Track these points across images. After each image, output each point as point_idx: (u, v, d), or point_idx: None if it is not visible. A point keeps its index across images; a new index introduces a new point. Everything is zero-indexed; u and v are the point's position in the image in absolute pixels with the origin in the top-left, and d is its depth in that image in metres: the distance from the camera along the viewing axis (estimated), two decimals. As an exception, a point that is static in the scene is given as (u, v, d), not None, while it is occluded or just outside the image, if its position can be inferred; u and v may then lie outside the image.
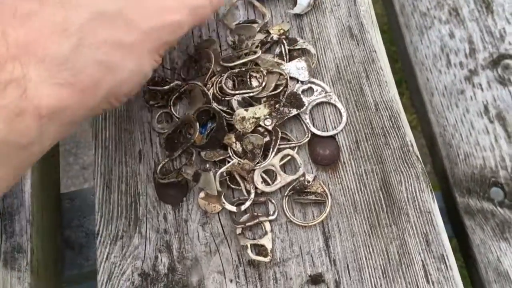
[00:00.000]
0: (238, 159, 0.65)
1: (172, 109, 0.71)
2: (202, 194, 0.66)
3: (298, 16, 0.77)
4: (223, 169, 0.65)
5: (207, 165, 0.67)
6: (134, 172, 0.69)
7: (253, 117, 0.67)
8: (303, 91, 0.72)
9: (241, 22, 0.76)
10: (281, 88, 0.70)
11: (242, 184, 0.66)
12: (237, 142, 0.66)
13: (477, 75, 1.44)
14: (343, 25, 0.76)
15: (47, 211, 0.72)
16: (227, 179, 0.66)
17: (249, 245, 0.62)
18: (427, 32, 1.56)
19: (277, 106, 0.68)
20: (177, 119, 0.70)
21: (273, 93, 0.69)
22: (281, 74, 0.70)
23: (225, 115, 0.68)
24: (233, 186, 0.67)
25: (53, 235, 0.72)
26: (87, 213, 0.75)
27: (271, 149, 0.66)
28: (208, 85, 0.71)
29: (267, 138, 0.67)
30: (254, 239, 0.64)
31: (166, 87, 0.70)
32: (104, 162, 0.69)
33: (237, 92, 0.69)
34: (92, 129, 0.72)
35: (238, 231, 0.64)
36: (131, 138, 0.71)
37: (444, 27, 1.59)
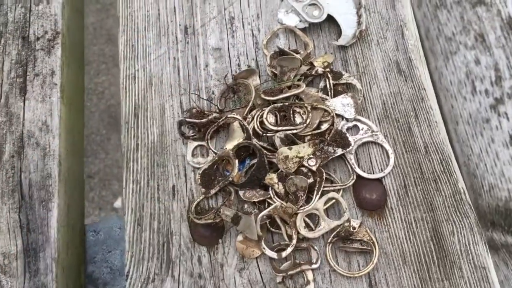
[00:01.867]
0: (281, 201, 0.61)
1: (209, 143, 0.67)
2: (240, 237, 0.62)
3: (342, 47, 0.73)
4: (265, 212, 0.60)
5: (245, 206, 0.63)
6: (167, 210, 0.65)
7: (297, 156, 0.63)
8: (348, 129, 0.68)
9: (281, 49, 0.72)
10: (327, 126, 0.65)
11: (283, 228, 0.62)
12: (279, 183, 0.62)
13: (503, 104, 1.40)
14: (390, 59, 0.72)
15: (72, 246, 0.67)
16: (267, 222, 0.62)
17: (292, 298, 0.58)
18: (452, 58, 1.52)
19: (321, 145, 0.64)
20: (214, 154, 0.66)
21: (317, 131, 0.65)
22: (326, 111, 0.66)
23: (266, 152, 0.64)
24: (273, 230, 0.62)
25: (77, 271, 0.68)
26: (112, 247, 0.71)
27: (315, 191, 0.62)
28: (247, 119, 0.67)
29: (311, 180, 0.63)
30: (295, 289, 0.60)
31: (204, 120, 0.66)
32: (136, 198, 0.65)
33: (280, 128, 0.64)
34: (123, 159, 0.68)
35: (279, 279, 0.60)
36: (164, 172, 0.67)
37: (469, 53, 1.55)
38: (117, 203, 1.66)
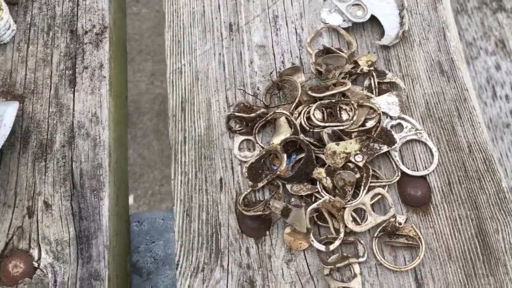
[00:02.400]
0: (329, 196, 0.62)
1: (257, 137, 0.68)
2: (288, 230, 0.63)
3: (385, 47, 0.75)
4: (314, 205, 0.62)
5: (292, 199, 0.65)
6: (215, 201, 0.66)
7: (344, 152, 0.64)
8: (392, 127, 0.69)
9: (327, 48, 0.73)
10: (373, 123, 0.67)
11: (330, 222, 0.63)
12: (327, 177, 0.63)
13: (523, 109, 1.41)
14: (433, 60, 0.74)
15: (120, 235, 0.69)
16: (314, 215, 0.63)
17: (341, 289, 0.59)
18: (473, 63, 1.53)
19: (368, 141, 0.65)
20: (261, 148, 0.68)
21: (364, 128, 0.66)
22: (371, 108, 0.67)
23: (313, 147, 0.66)
24: (320, 223, 0.64)
25: (124, 260, 0.70)
26: (155, 237, 0.73)
27: (362, 187, 0.64)
28: (294, 115, 0.68)
29: (358, 175, 0.64)
30: (343, 281, 0.61)
31: (252, 115, 0.68)
32: (184, 189, 0.67)
33: (327, 124, 0.66)
34: (171, 151, 0.69)
35: (326, 271, 0.61)
36: (212, 165, 0.68)
37: (490, 58, 1.56)
38: (129, 200, 1.68)
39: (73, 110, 0.71)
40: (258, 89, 0.73)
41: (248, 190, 0.66)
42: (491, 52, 1.52)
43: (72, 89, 0.73)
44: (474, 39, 1.54)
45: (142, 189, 1.67)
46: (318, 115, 0.67)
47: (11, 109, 0.69)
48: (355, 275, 0.61)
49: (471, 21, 1.57)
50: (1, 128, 0.67)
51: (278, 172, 0.64)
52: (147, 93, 1.83)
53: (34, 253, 0.63)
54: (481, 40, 1.57)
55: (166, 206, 1.57)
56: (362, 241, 0.62)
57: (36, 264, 0.62)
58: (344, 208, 0.62)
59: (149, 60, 1.87)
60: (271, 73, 0.73)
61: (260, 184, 0.65)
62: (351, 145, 0.65)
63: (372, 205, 0.64)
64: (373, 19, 0.76)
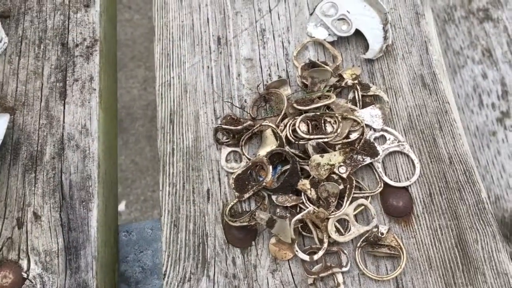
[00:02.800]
0: (313, 206, 0.64)
1: (243, 149, 0.70)
2: (273, 240, 0.65)
3: (369, 61, 0.77)
4: (299, 216, 0.63)
5: (278, 210, 0.66)
6: (202, 212, 0.67)
7: (328, 164, 0.66)
8: (375, 139, 0.71)
9: (312, 62, 0.75)
10: (356, 135, 0.68)
11: (314, 232, 0.64)
12: (312, 188, 0.65)
13: (509, 117, 1.43)
14: (415, 73, 0.76)
15: (109, 245, 0.70)
16: (299, 226, 0.65)
17: (324, 298, 0.60)
18: (460, 71, 1.56)
19: (351, 153, 0.67)
20: (247, 160, 0.69)
21: (348, 140, 0.68)
22: (355, 121, 0.69)
23: (298, 159, 0.67)
24: (304, 233, 0.65)
25: (112, 270, 0.71)
26: (144, 247, 0.74)
27: (346, 198, 0.65)
28: (280, 127, 0.70)
29: (341, 186, 0.65)
30: (326, 290, 0.62)
31: (239, 127, 0.69)
32: (172, 200, 0.68)
33: (312, 136, 0.67)
34: (160, 162, 0.71)
35: (310, 281, 0.62)
36: (199, 176, 0.70)
37: (477, 67, 1.58)
38: (121, 207, 1.69)
39: (63, 122, 0.72)
40: (245, 101, 0.75)
41: (235, 201, 0.67)
42: (478, 61, 1.55)
43: (63, 101, 0.74)
44: (461, 48, 1.56)
45: (134, 195, 1.68)
46: (303, 127, 0.69)
47: (2, 122, 0.70)
48: (338, 285, 0.62)
49: (458, 31, 1.60)
50: (-9, 140, 0.68)
51: (264, 184, 0.66)
52: (140, 99, 1.84)
53: (23, 263, 0.64)
54: (468, 49, 1.59)
55: (158, 212, 1.57)
56: (345, 251, 0.64)
57: (25, 275, 0.63)
58: (328, 218, 0.64)
59: (142, 67, 1.88)
60: (258, 86, 0.75)
61: (246, 195, 0.66)
62: (335, 157, 0.66)
63: (355, 215, 0.66)
64: (358, 33, 0.78)
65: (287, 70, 0.77)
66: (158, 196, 1.58)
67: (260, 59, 0.78)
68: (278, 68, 0.77)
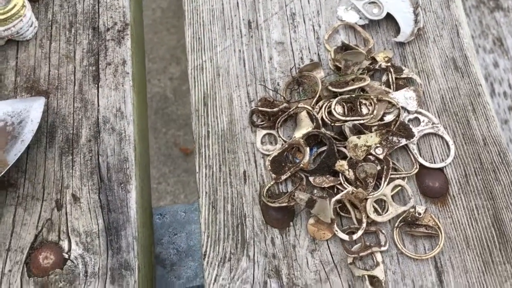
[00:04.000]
0: (352, 187, 0.64)
1: (279, 131, 0.70)
2: (311, 220, 0.65)
3: (400, 44, 0.77)
4: (338, 196, 0.64)
5: (315, 191, 0.67)
6: (239, 193, 0.68)
7: (365, 145, 0.66)
8: (409, 121, 0.71)
9: (346, 44, 0.75)
10: (391, 117, 0.69)
11: (352, 213, 0.65)
12: (350, 169, 0.65)
13: (521, 106, 1.44)
14: (447, 56, 0.76)
15: (146, 227, 0.71)
16: (337, 207, 0.65)
17: (366, 277, 0.61)
18: (472, 60, 1.56)
19: (387, 135, 0.68)
20: (283, 142, 0.70)
21: (384, 121, 0.68)
22: (390, 103, 0.70)
23: (334, 141, 0.68)
24: (342, 214, 0.66)
25: (150, 251, 0.71)
26: (178, 230, 0.74)
27: (383, 178, 0.66)
28: (315, 109, 0.70)
29: (378, 167, 0.66)
30: (365, 269, 0.63)
31: (275, 109, 0.70)
32: (209, 182, 0.69)
33: (348, 118, 0.68)
34: (195, 145, 0.71)
35: (349, 260, 0.63)
36: (235, 158, 0.70)
37: (488, 56, 1.59)
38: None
39: (98, 106, 0.73)
40: (278, 84, 0.75)
41: (272, 183, 0.68)
42: (489, 50, 1.55)
43: (96, 85, 0.74)
44: (472, 37, 1.56)
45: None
46: (339, 109, 0.69)
47: (37, 105, 0.70)
48: (377, 264, 0.63)
49: (469, 20, 1.60)
50: (28, 124, 0.69)
51: (301, 165, 0.66)
52: (145, 91, 1.85)
53: (64, 244, 0.64)
54: (479, 38, 1.59)
55: (164, 203, 1.58)
56: (383, 231, 0.65)
57: (66, 256, 0.64)
58: (366, 199, 0.65)
59: (145, 58, 1.88)
60: (291, 69, 0.75)
61: (284, 177, 0.67)
62: (372, 139, 0.67)
63: (392, 196, 0.66)
64: (389, 17, 0.78)
65: (318, 54, 0.77)
66: (163, 188, 1.59)
67: (291, 42, 0.78)
68: (309, 52, 0.77)
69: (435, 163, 0.69)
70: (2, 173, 0.63)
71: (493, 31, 1.56)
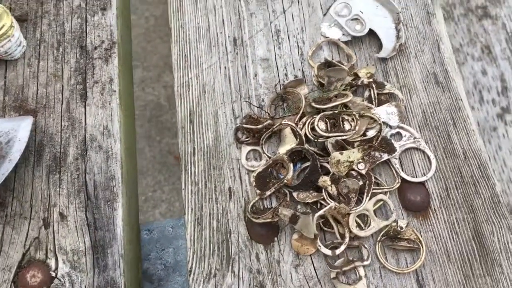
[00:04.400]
0: (335, 203, 0.66)
1: (263, 147, 0.71)
2: (295, 236, 0.66)
3: (383, 60, 0.78)
4: (321, 212, 0.65)
5: (299, 206, 0.68)
6: (224, 210, 0.69)
7: (347, 161, 0.68)
8: (391, 136, 0.72)
9: (328, 61, 0.76)
10: (373, 132, 0.70)
11: (335, 228, 0.66)
12: (332, 185, 0.67)
13: (509, 113, 1.45)
14: (428, 71, 0.77)
15: (132, 244, 0.71)
16: (320, 222, 0.67)
17: (348, 291, 0.62)
18: (460, 68, 1.58)
19: (369, 150, 0.69)
20: (267, 158, 0.71)
21: (366, 137, 0.70)
22: (372, 118, 0.71)
23: (317, 156, 0.69)
24: (325, 229, 0.67)
25: (136, 268, 0.72)
26: (165, 245, 0.75)
27: (365, 193, 0.67)
28: (299, 126, 0.71)
29: (361, 182, 0.67)
30: (348, 283, 0.64)
31: (259, 126, 0.71)
32: (195, 198, 0.70)
33: (331, 134, 0.69)
34: (181, 162, 0.72)
35: (333, 275, 0.64)
36: (220, 174, 0.71)
37: (477, 63, 1.60)
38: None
39: (85, 124, 0.74)
40: (263, 100, 0.76)
41: (256, 198, 0.69)
42: (477, 57, 1.57)
43: (84, 103, 0.75)
44: (461, 45, 1.58)
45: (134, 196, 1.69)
46: (322, 125, 0.70)
47: (25, 124, 0.71)
48: (360, 278, 0.64)
49: (457, 28, 1.61)
50: (16, 143, 0.70)
51: (285, 181, 0.67)
52: (138, 99, 1.85)
53: (51, 263, 0.65)
54: (468, 46, 1.61)
55: (159, 211, 1.59)
56: (366, 245, 0.66)
57: (53, 274, 0.64)
58: (349, 214, 0.66)
59: (139, 67, 1.89)
60: (275, 85, 0.76)
61: (268, 193, 0.68)
62: (354, 154, 0.68)
63: (374, 210, 0.67)
64: (371, 33, 0.79)
65: (302, 70, 0.78)
66: (158, 196, 1.60)
67: (276, 59, 0.79)
68: (294, 68, 0.79)
69: (416, 177, 0.70)
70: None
71: (481, 39, 1.58)
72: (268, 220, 0.66)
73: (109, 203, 0.68)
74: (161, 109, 1.71)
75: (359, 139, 0.70)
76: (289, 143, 0.70)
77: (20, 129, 0.71)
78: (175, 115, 1.68)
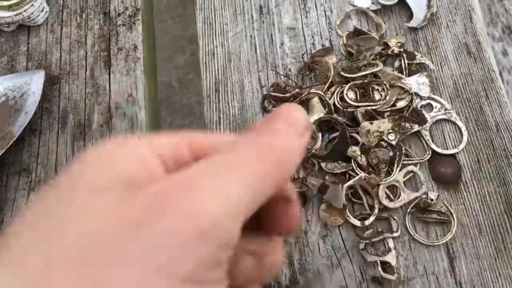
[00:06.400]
0: (365, 173, 0.64)
1: (291, 117, 0.70)
2: (323, 206, 0.65)
3: (413, 29, 0.76)
4: (351, 182, 0.64)
5: (327, 177, 0.67)
6: (251, 179, 0.68)
7: (377, 131, 0.66)
8: (422, 107, 0.71)
9: (358, 29, 0.75)
10: (404, 103, 0.69)
11: (364, 199, 0.65)
12: (362, 155, 0.65)
13: (531, 95, 1.43)
14: (460, 41, 0.75)
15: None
16: (349, 192, 0.65)
17: (378, 262, 0.61)
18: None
19: (400, 121, 0.67)
20: (295, 128, 0.69)
21: (396, 107, 0.68)
22: (402, 88, 0.69)
23: (346, 126, 0.68)
24: (354, 200, 0.66)
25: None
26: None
27: (396, 164, 0.65)
28: (327, 95, 0.70)
29: (391, 153, 0.66)
30: (377, 255, 0.63)
31: (287, 94, 0.69)
32: (221, 167, 0.68)
33: (360, 104, 0.68)
34: (206, 130, 0.71)
35: (361, 246, 0.63)
36: (247, 143, 0.70)
37: (497, 44, 1.57)
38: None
39: (109, 91, 0.73)
40: (289, 70, 0.74)
41: (283, 168, 0.67)
42: (498, 38, 1.53)
43: (108, 70, 0.74)
44: (482, 25, 1.55)
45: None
46: (352, 95, 0.69)
47: (37, 77, 0.70)
48: (389, 249, 0.63)
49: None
50: (30, 96, 0.69)
51: (313, 151, 0.66)
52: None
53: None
54: (488, 26, 1.57)
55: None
56: (395, 217, 0.65)
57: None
58: (379, 185, 0.64)
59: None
60: (303, 54, 0.75)
61: (295, 162, 0.67)
62: (384, 125, 0.67)
63: (404, 182, 0.66)
64: (401, 2, 0.77)
65: (330, 39, 0.77)
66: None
67: (303, 28, 0.77)
68: (321, 37, 0.77)
69: (447, 149, 0.69)
70: (10, 144, 0.64)
71: (502, 19, 1.54)
72: (296, 190, 0.65)
73: (134, 170, 0.67)
74: (172, 90, 1.70)
75: (389, 109, 0.68)
76: (317, 112, 0.69)
77: (33, 83, 0.70)
78: (186, 96, 1.67)
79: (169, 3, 1.83)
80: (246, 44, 0.76)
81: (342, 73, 0.70)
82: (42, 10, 0.77)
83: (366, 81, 0.69)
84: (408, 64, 0.72)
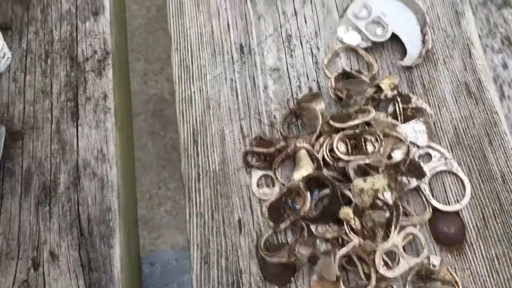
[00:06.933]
0: (359, 238, 0.58)
1: (276, 173, 0.64)
2: (315, 277, 0.59)
3: (407, 68, 0.70)
4: (343, 251, 0.57)
5: (317, 241, 0.60)
6: (234, 245, 0.62)
7: (372, 189, 0.60)
8: (419, 157, 0.65)
9: (346, 72, 0.68)
10: (399, 154, 0.62)
11: (360, 267, 0.59)
12: (355, 218, 0.59)
13: (532, 110, 1.37)
14: (459, 80, 0.69)
15: (132, 282, 0.64)
16: (343, 260, 0.59)
17: None
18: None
19: (396, 175, 0.61)
20: (281, 185, 0.63)
21: (392, 161, 0.62)
22: (397, 137, 0.63)
23: (337, 182, 0.61)
24: (348, 268, 0.59)
25: (138, 307, 0.65)
26: (169, 279, 0.68)
27: (393, 227, 0.59)
28: (316, 147, 0.64)
29: (387, 214, 0.60)
30: (375, 330, 0.57)
31: (272, 149, 0.63)
32: (200, 232, 0.62)
33: (352, 158, 0.61)
34: (185, 190, 0.65)
35: (358, 321, 0.57)
36: (229, 203, 0.64)
37: (496, 56, 1.51)
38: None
39: (77, 147, 0.66)
40: (274, 117, 0.68)
41: (270, 232, 0.61)
42: (497, 50, 1.47)
43: (75, 123, 0.68)
44: (479, 37, 1.48)
45: (139, 193, 1.62)
46: (342, 147, 0.63)
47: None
48: (388, 324, 0.57)
49: (476, 18, 1.51)
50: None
51: (302, 213, 0.60)
52: (141, 93, 1.77)
53: (43, 308, 0.58)
54: (487, 37, 1.51)
55: (164, 210, 1.52)
56: (395, 287, 0.58)
57: (45, 321, 0.58)
58: (375, 251, 0.58)
59: (141, 59, 1.81)
60: (288, 100, 0.68)
61: (282, 226, 0.61)
62: (379, 181, 0.60)
63: (403, 246, 0.60)
64: (393, 37, 0.71)
65: (317, 81, 0.70)
66: (163, 193, 1.53)
67: (287, 68, 0.71)
68: (308, 79, 0.70)
69: (449, 204, 0.62)
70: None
71: (501, 30, 1.48)
72: (284, 260, 0.58)
73: (105, 239, 0.61)
74: (165, 103, 1.63)
75: (384, 163, 0.62)
76: (305, 167, 0.63)
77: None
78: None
79: (159, 13, 1.76)
80: (226, 88, 0.70)
81: (331, 122, 0.64)
82: (3, 57, 0.70)
83: (357, 131, 0.63)
84: (403, 108, 0.66)
